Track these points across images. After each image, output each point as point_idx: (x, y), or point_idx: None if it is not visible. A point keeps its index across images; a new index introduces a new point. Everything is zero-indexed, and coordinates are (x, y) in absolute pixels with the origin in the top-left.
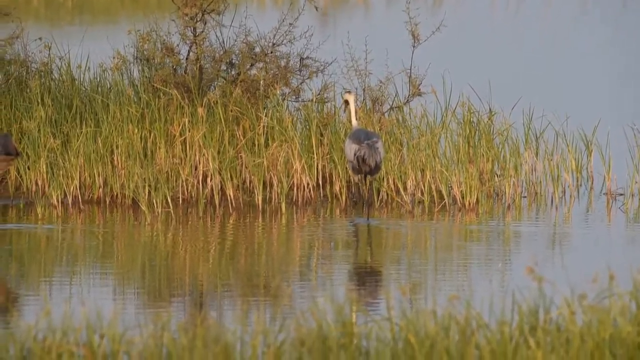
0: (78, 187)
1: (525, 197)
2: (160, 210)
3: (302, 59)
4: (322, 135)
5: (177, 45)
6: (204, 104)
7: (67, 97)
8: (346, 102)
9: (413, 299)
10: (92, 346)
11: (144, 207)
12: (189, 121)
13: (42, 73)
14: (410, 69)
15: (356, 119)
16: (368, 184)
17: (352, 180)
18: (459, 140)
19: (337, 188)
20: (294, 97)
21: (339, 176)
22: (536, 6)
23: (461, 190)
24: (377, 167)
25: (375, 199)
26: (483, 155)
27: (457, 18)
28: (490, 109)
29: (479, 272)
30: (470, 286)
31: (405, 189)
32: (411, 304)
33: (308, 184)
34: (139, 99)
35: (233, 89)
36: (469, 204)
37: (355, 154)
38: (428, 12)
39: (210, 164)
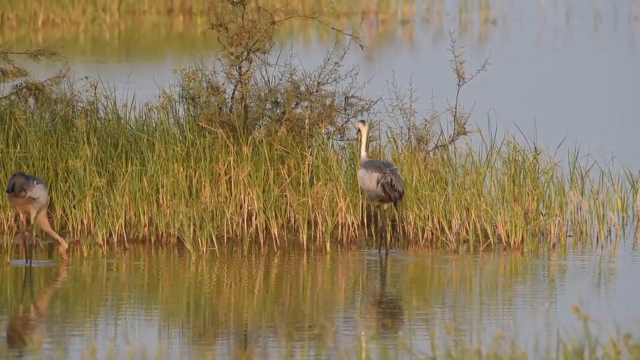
0: (123, 226)
1: (570, 236)
2: (205, 249)
3: (347, 97)
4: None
5: (223, 84)
6: (249, 143)
7: (113, 135)
8: (359, 132)
9: (458, 338)
10: None
11: (189, 246)
12: (234, 160)
13: (88, 112)
14: (456, 108)
15: (366, 151)
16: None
17: (372, 211)
18: (504, 179)
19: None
20: (339, 135)
21: (383, 215)
22: (582, 44)
23: (506, 229)
24: (402, 194)
25: (420, 238)
26: (528, 194)
27: (502, 56)
28: (535, 148)
29: (524, 311)
30: (515, 325)
31: (450, 227)
32: (456, 343)
33: (353, 223)
34: (185, 137)
35: (278, 127)
36: (514, 242)
37: (379, 182)
38: (473, 51)
39: (255, 202)
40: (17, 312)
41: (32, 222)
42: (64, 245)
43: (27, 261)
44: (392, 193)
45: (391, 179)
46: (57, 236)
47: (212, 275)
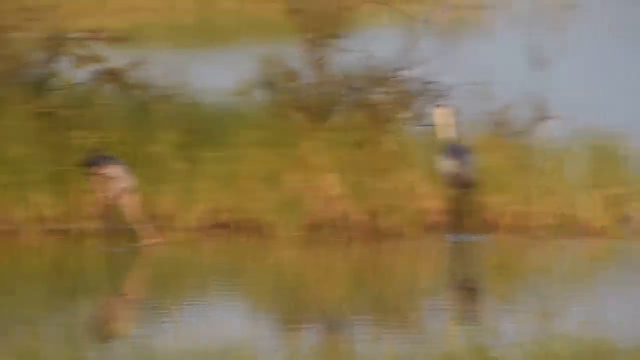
0: (206, 211)
1: None
2: (288, 234)
3: (424, 83)
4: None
5: (302, 69)
6: (328, 128)
7: (194, 120)
8: (438, 117)
9: (543, 323)
10: None
11: (272, 231)
12: (314, 145)
13: (166, 97)
14: (535, 93)
15: (450, 134)
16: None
17: (449, 196)
18: (585, 164)
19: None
20: (417, 121)
21: (463, 200)
22: None
23: (589, 215)
24: (475, 182)
25: (502, 223)
26: (611, 179)
27: (581, 40)
28: (617, 132)
29: (610, 296)
30: (602, 310)
31: (531, 213)
32: (542, 328)
33: (434, 209)
34: (265, 123)
35: (356, 113)
36: (597, 227)
37: (450, 170)
38: (550, 35)
39: (337, 188)
40: (106, 297)
41: (117, 204)
42: (150, 235)
43: (114, 247)
44: (463, 180)
45: (463, 168)
46: (143, 225)
47: (295, 261)
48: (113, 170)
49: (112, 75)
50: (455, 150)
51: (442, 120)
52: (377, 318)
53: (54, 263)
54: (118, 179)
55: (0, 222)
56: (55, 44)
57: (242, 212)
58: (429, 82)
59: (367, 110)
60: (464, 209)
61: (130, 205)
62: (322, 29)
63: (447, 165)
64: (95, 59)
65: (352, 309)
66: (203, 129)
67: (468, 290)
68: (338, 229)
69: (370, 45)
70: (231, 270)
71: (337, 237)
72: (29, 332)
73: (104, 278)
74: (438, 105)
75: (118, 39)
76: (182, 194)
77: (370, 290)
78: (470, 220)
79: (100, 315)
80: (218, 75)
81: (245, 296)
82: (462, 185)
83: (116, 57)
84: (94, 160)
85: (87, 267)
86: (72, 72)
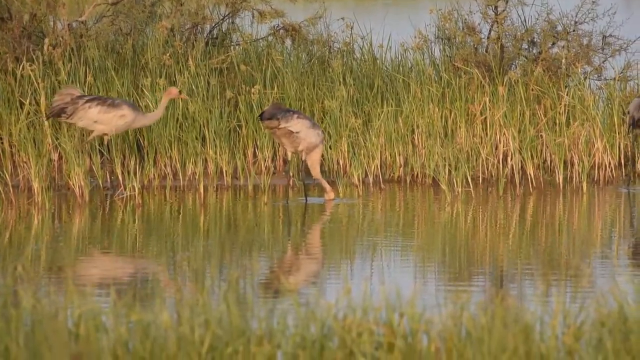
0: (379, 167)
1: None
2: (460, 190)
3: (604, 36)
4: (624, 114)
5: (479, 24)
6: (504, 83)
7: (369, 76)
8: None
9: None
10: (392, 325)
11: (444, 187)
12: (489, 100)
13: (344, 53)
14: None
15: None
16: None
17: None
18: None
19: None
20: (596, 75)
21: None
22: None
23: None
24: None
25: None
26: None
27: None
28: None
29: None
30: None
31: None
32: None
33: (610, 163)
34: (440, 78)
35: (534, 67)
36: None
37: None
38: None
39: (511, 143)
40: (273, 253)
41: (303, 160)
42: (331, 194)
43: (289, 201)
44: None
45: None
46: (324, 184)
47: (467, 216)
48: (293, 124)
49: (291, 31)
50: None
51: None
52: (548, 273)
53: (229, 217)
54: (299, 133)
55: (178, 177)
56: None
57: (415, 167)
58: (610, 36)
59: (546, 65)
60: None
61: (311, 159)
62: None
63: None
64: (275, 14)
65: (523, 264)
66: (379, 84)
67: (639, 244)
68: (513, 183)
69: None
70: (402, 225)
71: (512, 192)
72: (197, 287)
73: (278, 233)
74: None
75: None
76: (356, 149)
77: (542, 245)
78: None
79: (268, 270)
80: (396, 31)
81: (416, 251)
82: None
83: (296, 12)
84: (279, 114)
85: (262, 222)
86: (252, 28)
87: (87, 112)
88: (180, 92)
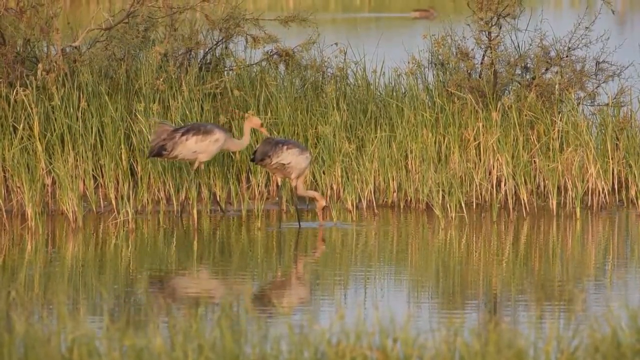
0: (372, 192)
1: None
2: (453, 215)
3: (598, 62)
4: (617, 139)
5: (472, 49)
6: (498, 109)
7: (362, 101)
8: None
9: None
10: (385, 350)
11: (437, 212)
12: (483, 125)
13: (337, 78)
14: None
15: None
16: None
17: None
18: None
19: (633, 192)
20: (590, 101)
21: (635, 180)
22: None
23: None
24: None
25: None
26: None
27: None
28: None
29: None
30: None
31: None
32: None
33: (603, 189)
34: (433, 103)
35: (527, 93)
36: None
37: None
38: None
39: (504, 168)
40: (267, 276)
41: (293, 188)
42: (322, 202)
43: (281, 226)
44: None
45: None
46: (313, 193)
47: (460, 241)
48: (284, 157)
49: (284, 56)
50: None
51: None
52: (541, 298)
53: (222, 243)
54: (290, 164)
55: (171, 202)
56: (230, 24)
57: (409, 192)
58: (604, 62)
59: (539, 90)
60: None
61: (301, 185)
62: (496, 8)
63: None
64: (269, 39)
65: (516, 289)
66: (372, 109)
67: (634, 271)
68: (506, 209)
69: (545, 25)
70: (396, 250)
71: (506, 217)
72: (189, 313)
73: (272, 258)
74: None
75: (291, 19)
76: (350, 174)
77: (536, 270)
78: None
79: (261, 294)
80: (389, 56)
81: (409, 276)
82: None
83: (289, 38)
84: (270, 151)
85: (255, 247)
86: (246, 53)
87: (185, 145)
88: (262, 125)
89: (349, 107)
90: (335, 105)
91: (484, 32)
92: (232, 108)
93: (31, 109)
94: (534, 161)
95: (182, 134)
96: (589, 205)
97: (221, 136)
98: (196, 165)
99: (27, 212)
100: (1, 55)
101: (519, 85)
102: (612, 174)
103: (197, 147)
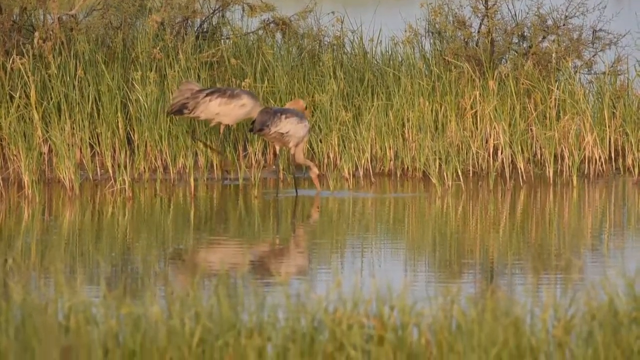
0: (369, 160)
1: None
2: (450, 183)
3: (595, 31)
4: (614, 107)
5: (469, 18)
6: (495, 77)
7: (359, 70)
8: None
9: None
10: (382, 318)
11: (434, 180)
12: (479, 94)
13: (334, 47)
14: None
15: None
16: None
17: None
18: None
19: (630, 161)
20: (586, 69)
21: (631, 149)
22: None
23: None
24: None
25: None
26: None
27: None
28: None
29: None
30: None
31: None
32: None
33: (600, 157)
34: (430, 72)
35: (524, 61)
36: None
37: None
38: None
39: (501, 136)
40: (264, 245)
41: (291, 156)
42: (315, 170)
43: (278, 194)
44: None
45: None
46: (309, 162)
47: (457, 210)
48: (282, 126)
49: (281, 24)
50: None
51: None
52: (538, 266)
53: (218, 210)
54: (288, 132)
55: (168, 170)
56: None
57: (406, 160)
58: (600, 30)
59: (536, 59)
60: None
61: (297, 149)
62: None
63: None
64: (266, 7)
65: (513, 257)
66: (369, 77)
67: (630, 239)
68: (503, 177)
69: None
70: (393, 218)
71: (502, 185)
72: (186, 281)
73: (269, 226)
74: None
75: None
76: (346, 143)
77: (532, 238)
78: None
79: (259, 262)
80: (386, 25)
81: (406, 244)
82: None
83: (286, 6)
84: (268, 121)
85: (251, 215)
86: (243, 21)
87: (208, 106)
88: (306, 107)
89: (345, 75)
90: (332, 74)
91: (481, 1)
92: (230, 77)
93: (28, 77)
94: (531, 129)
95: (207, 95)
96: (585, 173)
97: (249, 102)
98: (221, 128)
99: (24, 180)
100: None
101: (516, 54)
102: (609, 142)
103: (220, 110)
